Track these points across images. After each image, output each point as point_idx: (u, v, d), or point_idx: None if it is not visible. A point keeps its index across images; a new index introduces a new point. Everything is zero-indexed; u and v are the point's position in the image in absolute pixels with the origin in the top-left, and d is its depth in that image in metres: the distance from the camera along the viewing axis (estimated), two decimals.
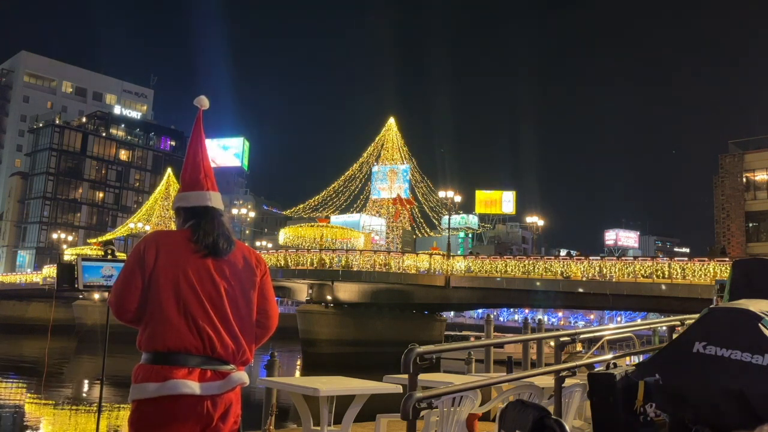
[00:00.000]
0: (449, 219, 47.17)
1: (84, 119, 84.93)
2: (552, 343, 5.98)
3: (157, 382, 2.42)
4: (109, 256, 6.30)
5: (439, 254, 35.89)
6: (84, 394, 24.08)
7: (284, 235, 49.33)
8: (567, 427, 2.99)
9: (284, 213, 76.70)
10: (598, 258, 32.12)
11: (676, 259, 31.14)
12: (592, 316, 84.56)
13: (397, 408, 3.14)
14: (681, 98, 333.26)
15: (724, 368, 2.53)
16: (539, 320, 34.35)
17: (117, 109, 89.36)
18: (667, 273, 28.75)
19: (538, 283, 31.48)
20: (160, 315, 2.50)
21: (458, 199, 46.91)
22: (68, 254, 57.55)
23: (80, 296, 47.37)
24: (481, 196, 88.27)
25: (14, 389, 24.89)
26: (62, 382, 26.77)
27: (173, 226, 3.00)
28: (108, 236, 66.46)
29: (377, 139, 61.05)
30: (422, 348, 3.31)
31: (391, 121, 61.01)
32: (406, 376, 3.35)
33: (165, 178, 69.45)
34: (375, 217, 61.80)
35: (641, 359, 4.51)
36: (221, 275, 2.61)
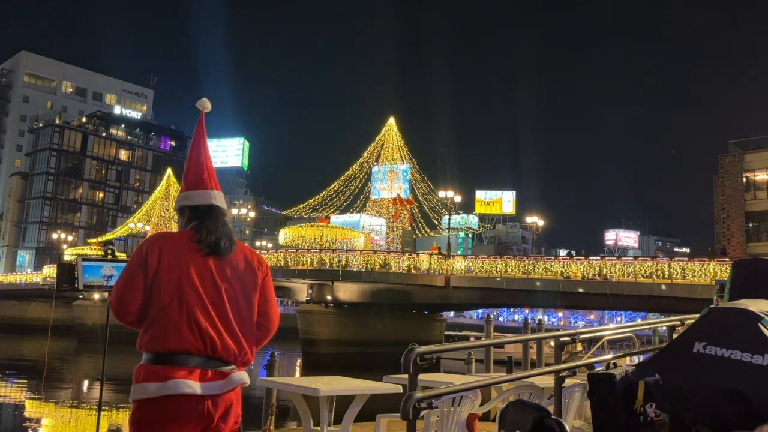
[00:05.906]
0: (449, 219, 47.13)
1: (84, 119, 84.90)
2: (552, 343, 5.97)
3: (158, 382, 2.42)
4: (109, 256, 6.30)
5: (439, 254, 35.84)
6: (84, 394, 24.05)
7: (284, 235, 49.34)
8: (567, 427, 2.99)
9: (284, 213, 76.61)
10: (598, 258, 32.07)
11: (676, 259, 31.07)
12: (592, 316, 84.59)
13: (397, 408, 3.13)
14: (681, 98, 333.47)
15: (724, 368, 2.53)
16: (539, 320, 34.29)
17: (117, 109, 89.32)
18: (667, 273, 28.70)
19: (538, 283, 31.44)
20: (162, 317, 2.50)
21: (458, 199, 46.92)
22: (68, 254, 57.56)
23: (80, 296, 47.34)
24: (481, 196, 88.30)
25: (14, 389, 24.86)
26: (62, 382, 26.78)
27: (174, 226, 3.01)
28: (108, 236, 66.51)
29: (377, 139, 60.90)
30: (422, 348, 3.31)
31: (391, 121, 60.88)
32: (406, 376, 3.35)
33: (165, 178, 69.41)
34: (375, 217, 61.68)
35: (641, 359, 4.51)
36: (222, 276, 2.61)
